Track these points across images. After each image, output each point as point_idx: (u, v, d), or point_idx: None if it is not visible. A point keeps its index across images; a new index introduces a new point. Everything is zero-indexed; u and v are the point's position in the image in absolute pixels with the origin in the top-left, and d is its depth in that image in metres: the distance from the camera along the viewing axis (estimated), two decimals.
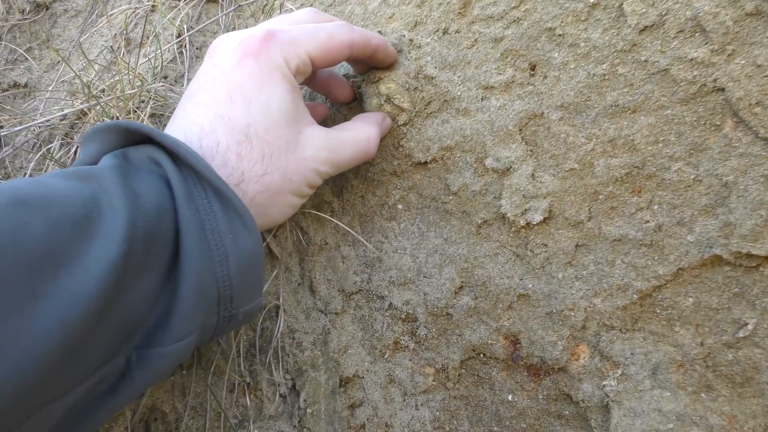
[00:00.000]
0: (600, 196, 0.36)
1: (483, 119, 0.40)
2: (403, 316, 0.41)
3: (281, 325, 0.43)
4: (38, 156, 0.48)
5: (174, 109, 0.49)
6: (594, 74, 0.36)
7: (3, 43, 0.67)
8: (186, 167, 0.29)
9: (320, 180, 0.37)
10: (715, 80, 0.33)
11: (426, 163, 0.41)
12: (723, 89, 0.33)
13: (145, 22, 0.55)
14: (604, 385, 0.34)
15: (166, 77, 0.54)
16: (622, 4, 0.36)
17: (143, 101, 0.49)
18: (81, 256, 0.24)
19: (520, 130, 0.39)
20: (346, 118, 0.44)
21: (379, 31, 0.46)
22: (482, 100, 0.40)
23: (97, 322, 0.24)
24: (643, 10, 0.35)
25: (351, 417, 0.41)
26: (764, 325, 0.30)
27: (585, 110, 0.37)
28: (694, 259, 0.32)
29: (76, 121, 0.50)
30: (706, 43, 0.33)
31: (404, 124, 0.42)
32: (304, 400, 0.41)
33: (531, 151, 0.38)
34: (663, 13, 0.34)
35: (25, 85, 0.63)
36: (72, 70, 0.48)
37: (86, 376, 0.26)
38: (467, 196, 0.40)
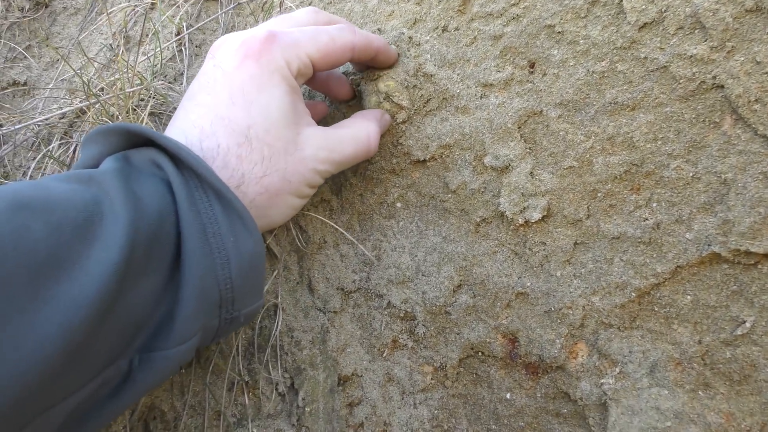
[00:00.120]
0: (599, 194, 0.36)
1: (482, 117, 0.40)
2: (402, 315, 0.41)
3: (280, 323, 0.43)
4: (39, 156, 0.48)
5: (173, 107, 0.49)
6: (593, 71, 0.36)
7: (2, 41, 0.67)
8: (187, 170, 0.29)
9: (320, 179, 0.37)
10: (714, 77, 0.33)
11: (425, 161, 0.41)
12: (722, 86, 0.32)
13: (145, 19, 0.55)
14: (602, 383, 0.34)
15: (165, 75, 0.54)
16: (621, 0, 0.36)
17: (143, 99, 0.49)
18: (82, 260, 0.24)
19: (519, 127, 0.39)
20: (345, 116, 0.44)
21: (379, 29, 0.46)
22: (481, 97, 0.40)
23: (98, 326, 0.24)
24: (643, 7, 0.35)
25: (349, 415, 0.41)
26: (762, 322, 0.30)
27: (584, 108, 0.37)
28: (692, 257, 0.32)
29: (76, 120, 0.50)
30: (705, 40, 0.33)
31: (403, 122, 0.42)
32: (303, 399, 0.41)
33: (530, 148, 0.38)
34: (662, 9, 0.34)
35: (25, 83, 0.63)
36: (71, 68, 0.48)
37: (88, 379, 0.26)
38: (466, 194, 0.40)
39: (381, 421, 0.40)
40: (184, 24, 0.57)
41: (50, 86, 0.59)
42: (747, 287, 0.31)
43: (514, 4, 0.40)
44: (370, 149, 0.38)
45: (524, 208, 0.37)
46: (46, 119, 0.49)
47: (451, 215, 0.41)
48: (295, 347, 0.43)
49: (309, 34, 0.36)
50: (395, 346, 0.41)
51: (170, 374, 0.30)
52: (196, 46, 0.57)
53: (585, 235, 0.36)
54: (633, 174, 0.35)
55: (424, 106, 0.41)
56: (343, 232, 0.44)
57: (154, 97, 0.48)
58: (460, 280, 0.39)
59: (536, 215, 0.37)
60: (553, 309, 0.36)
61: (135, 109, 0.46)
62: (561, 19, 0.38)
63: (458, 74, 0.41)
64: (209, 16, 0.59)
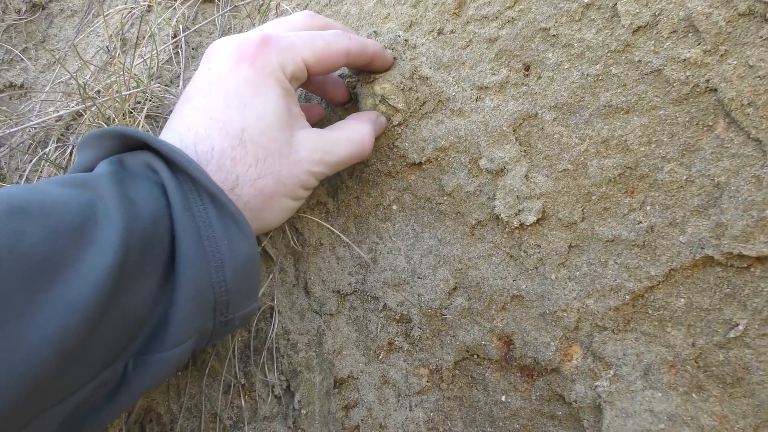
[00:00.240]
0: (593, 197, 0.36)
1: (477, 120, 0.40)
2: (398, 317, 0.41)
3: (276, 326, 0.43)
4: (35, 159, 0.48)
5: (170, 110, 0.49)
6: (588, 74, 0.36)
7: None
8: (182, 173, 0.29)
9: (315, 181, 0.37)
10: (707, 81, 0.33)
11: (420, 163, 0.42)
12: (715, 90, 0.32)
13: (141, 22, 0.55)
14: (596, 386, 0.34)
15: (161, 78, 0.54)
16: (615, 4, 0.36)
17: (139, 102, 0.49)
18: (77, 264, 0.24)
19: (514, 130, 0.39)
20: (341, 119, 0.44)
21: (375, 32, 0.46)
22: (477, 100, 0.40)
23: (94, 329, 0.24)
24: (637, 11, 0.35)
25: (345, 418, 0.41)
26: (755, 325, 0.30)
27: (579, 111, 0.37)
28: (686, 260, 0.33)
29: (72, 122, 0.50)
30: (699, 44, 0.33)
31: (399, 125, 0.42)
32: (299, 401, 0.41)
33: (525, 151, 0.38)
34: (656, 13, 0.34)
35: (21, 86, 0.63)
36: (67, 71, 0.48)
37: (84, 382, 0.26)
38: (461, 196, 0.40)
39: (377, 423, 0.40)
40: (181, 26, 0.57)
41: (47, 89, 0.59)
42: (740, 290, 0.31)
43: (509, 7, 0.40)
44: (364, 151, 0.39)
45: (519, 210, 0.37)
46: (43, 122, 0.49)
47: (446, 218, 0.41)
48: (291, 350, 0.43)
49: (304, 38, 0.36)
50: (391, 348, 0.41)
51: (166, 377, 0.30)
52: (193, 49, 0.57)
53: (579, 238, 0.36)
54: (627, 177, 0.35)
55: (420, 109, 0.42)
56: (340, 234, 0.44)
57: (150, 100, 0.48)
58: (456, 283, 0.39)
59: (531, 218, 0.37)
60: (547, 312, 0.36)
61: (131, 112, 0.46)
62: (556, 22, 0.38)
63: (454, 77, 0.41)
64: (206, 19, 0.59)
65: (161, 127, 0.49)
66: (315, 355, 0.42)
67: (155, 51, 0.52)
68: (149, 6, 0.60)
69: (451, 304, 0.39)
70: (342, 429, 0.40)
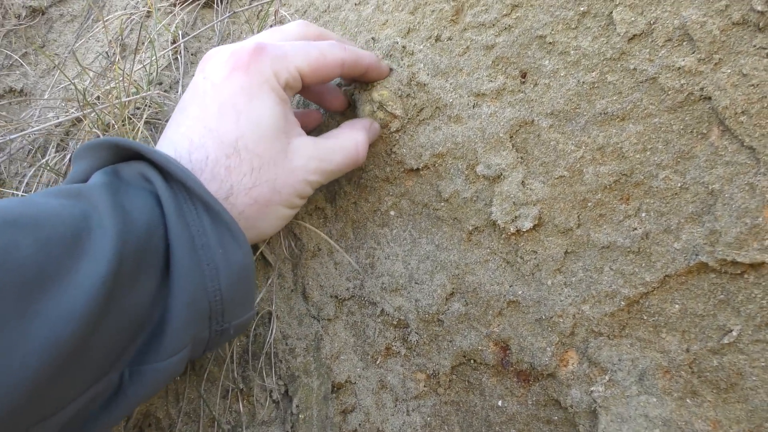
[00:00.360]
0: (589, 204, 0.36)
1: (474, 126, 0.40)
2: (395, 322, 0.41)
3: (274, 331, 0.43)
4: (35, 167, 0.48)
5: (169, 116, 0.50)
6: (583, 82, 0.37)
7: None
8: (176, 183, 0.30)
9: (311, 190, 0.37)
10: (702, 89, 0.33)
11: (418, 169, 0.42)
12: (710, 98, 0.33)
13: (141, 27, 0.56)
14: (592, 391, 0.34)
15: (161, 84, 0.54)
16: (611, 12, 0.36)
17: (138, 108, 0.49)
18: (71, 274, 0.24)
19: (511, 137, 0.39)
20: (339, 125, 0.44)
21: (373, 38, 0.46)
22: (474, 107, 0.40)
23: (89, 338, 0.25)
24: (632, 19, 0.35)
25: (343, 422, 0.41)
26: (748, 331, 0.31)
27: (574, 118, 0.37)
28: (680, 267, 0.33)
29: (71, 128, 0.50)
30: (693, 52, 0.33)
31: (397, 131, 0.42)
32: (297, 406, 0.41)
33: (521, 158, 0.39)
34: (651, 21, 0.35)
35: (21, 91, 0.63)
36: (66, 77, 0.48)
37: (79, 393, 0.26)
38: (458, 202, 0.40)
39: (374, 428, 0.40)
40: (180, 32, 0.57)
41: (46, 94, 0.59)
42: (734, 296, 0.31)
43: (506, 15, 0.40)
44: (358, 159, 0.39)
45: (516, 217, 0.38)
46: (42, 128, 0.50)
47: (443, 223, 0.41)
48: (290, 354, 0.43)
49: (299, 47, 0.36)
50: (388, 353, 0.42)
51: (162, 386, 0.30)
52: (192, 54, 0.58)
53: (575, 244, 0.36)
54: (622, 184, 0.35)
55: (418, 115, 0.42)
56: (332, 243, 0.44)
57: (149, 106, 0.48)
58: (453, 288, 0.40)
59: (527, 224, 0.37)
60: (544, 317, 0.37)
61: (131, 119, 0.47)
62: (552, 30, 0.38)
63: (451, 83, 0.41)
64: (205, 25, 0.59)
65: (160, 133, 0.49)
66: (313, 360, 0.42)
67: (154, 57, 0.52)
68: (149, 12, 0.60)
69: (448, 309, 0.40)
70: None
